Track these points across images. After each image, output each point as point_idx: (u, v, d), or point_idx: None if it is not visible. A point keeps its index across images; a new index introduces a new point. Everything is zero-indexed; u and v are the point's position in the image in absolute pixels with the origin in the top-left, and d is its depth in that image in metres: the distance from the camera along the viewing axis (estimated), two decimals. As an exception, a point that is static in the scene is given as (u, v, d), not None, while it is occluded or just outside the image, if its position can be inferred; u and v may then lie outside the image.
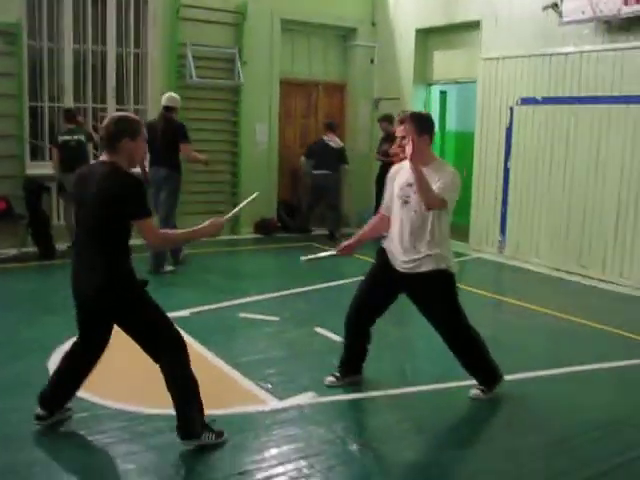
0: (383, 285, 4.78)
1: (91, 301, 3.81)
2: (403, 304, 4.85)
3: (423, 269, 4.58)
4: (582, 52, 8.75)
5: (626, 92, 8.28)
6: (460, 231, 10.96)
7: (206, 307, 6.73)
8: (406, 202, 4.57)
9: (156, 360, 3.87)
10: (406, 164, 4.58)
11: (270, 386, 4.85)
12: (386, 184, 4.85)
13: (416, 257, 4.57)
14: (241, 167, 10.84)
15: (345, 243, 4.98)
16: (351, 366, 4.99)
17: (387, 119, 10.91)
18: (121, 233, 3.76)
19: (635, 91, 8.18)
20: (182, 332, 5.82)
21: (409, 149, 4.35)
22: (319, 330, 6.16)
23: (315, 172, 10.95)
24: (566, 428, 4.41)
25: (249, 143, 10.98)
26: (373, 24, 12.03)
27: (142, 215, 3.71)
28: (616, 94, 8.39)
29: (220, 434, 3.97)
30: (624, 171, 8.38)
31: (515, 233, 9.82)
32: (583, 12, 8.43)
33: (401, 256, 4.62)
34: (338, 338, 5.86)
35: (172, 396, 3.85)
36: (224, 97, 10.74)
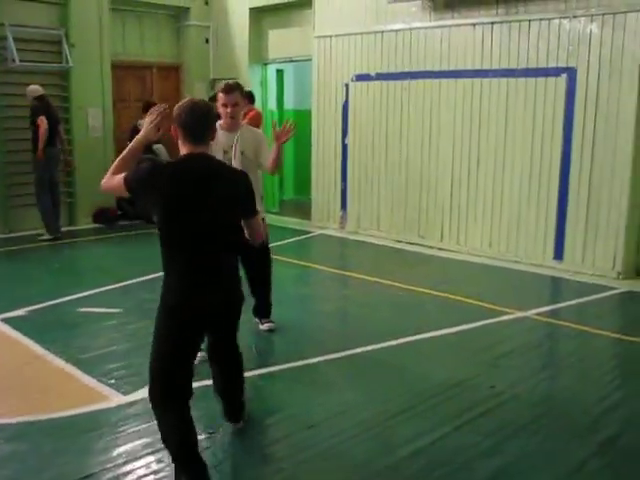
0: None
1: (225, 314, 3.54)
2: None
3: None
4: (411, 29, 9.00)
5: (454, 67, 8.61)
6: (302, 208, 11.12)
7: (44, 304, 6.39)
8: None
9: (234, 355, 3.94)
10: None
11: (114, 381, 4.67)
12: None
13: None
14: (75, 155, 10.36)
15: None
16: None
17: (217, 98, 10.79)
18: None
19: (462, 65, 8.52)
20: (17, 333, 5.64)
21: (286, 133, 4.79)
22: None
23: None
24: (410, 396, 4.53)
25: (82, 129, 10.52)
26: (206, 3, 11.85)
27: (256, 211, 3.56)
28: (445, 69, 8.70)
29: None
30: (455, 143, 8.72)
31: (356, 208, 10.01)
32: (409, -10, 8.68)
33: None
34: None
35: (240, 385, 4.03)
36: (52, 82, 10.18)
